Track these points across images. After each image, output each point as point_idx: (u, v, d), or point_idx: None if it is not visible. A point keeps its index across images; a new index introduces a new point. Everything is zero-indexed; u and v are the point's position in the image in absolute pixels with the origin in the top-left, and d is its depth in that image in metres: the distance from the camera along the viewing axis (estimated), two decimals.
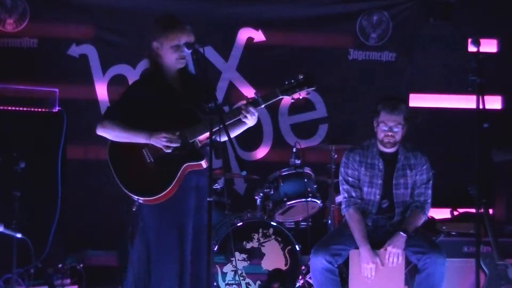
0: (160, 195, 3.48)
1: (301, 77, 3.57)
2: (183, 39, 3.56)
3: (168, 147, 3.48)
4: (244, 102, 3.54)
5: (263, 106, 3.55)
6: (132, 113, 3.55)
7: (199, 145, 3.58)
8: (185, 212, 3.57)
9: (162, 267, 3.54)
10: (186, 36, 3.58)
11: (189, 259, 3.56)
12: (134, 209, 3.56)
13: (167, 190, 3.48)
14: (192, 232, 3.57)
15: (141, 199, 3.53)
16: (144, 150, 3.53)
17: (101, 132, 3.58)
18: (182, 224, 3.56)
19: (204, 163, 3.54)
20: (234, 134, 3.61)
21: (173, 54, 3.58)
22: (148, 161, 3.53)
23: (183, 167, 3.51)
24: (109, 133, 3.56)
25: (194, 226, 3.58)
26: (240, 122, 3.57)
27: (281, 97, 3.57)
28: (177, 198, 3.53)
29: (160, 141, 3.47)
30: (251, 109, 3.50)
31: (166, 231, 3.53)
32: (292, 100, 3.60)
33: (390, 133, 4.28)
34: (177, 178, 3.49)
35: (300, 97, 3.60)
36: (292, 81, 3.57)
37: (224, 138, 3.44)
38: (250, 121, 3.55)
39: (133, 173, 3.54)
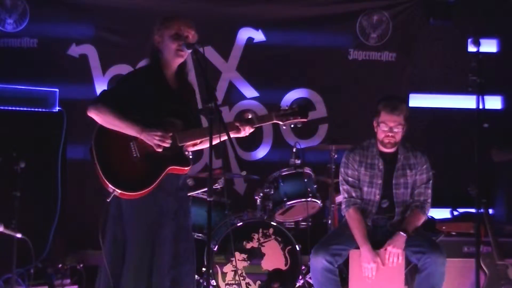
0: (138, 192, 3.44)
1: (295, 107, 3.71)
2: (183, 28, 3.55)
3: (159, 146, 3.46)
4: (240, 113, 3.63)
5: (257, 126, 3.67)
6: (124, 102, 3.51)
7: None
8: (163, 213, 3.53)
9: (130, 266, 3.48)
10: (186, 27, 3.56)
11: (167, 262, 3.50)
12: (108, 200, 3.49)
13: (146, 189, 3.44)
14: (171, 236, 3.53)
15: (117, 191, 3.44)
16: (132, 143, 3.49)
17: (93, 114, 3.52)
18: (158, 225, 3.51)
19: (187, 170, 3.55)
20: (217, 140, 3.47)
21: (173, 44, 3.55)
22: (134, 155, 3.49)
23: (167, 169, 3.48)
24: (101, 117, 3.50)
25: (173, 230, 3.54)
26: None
27: (275, 121, 3.71)
28: (157, 197, 3.49)
29: (152, 138, 3.44)
30: (247, 128, 3.62)
31: (142, 230, 3.49)
32: (284, 127, 3.76)
33: (390, 134, 4.28)
34: (159, 179, 3.47)
35: (292, 126, 3.75)
36: (287, 109, 3.71)
37: (223, 138, 3.42)
38: (240, 134, 3.67)
39: (116, 163, 3.48)
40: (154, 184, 3.45)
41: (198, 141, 3.61)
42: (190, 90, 3.76)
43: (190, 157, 3.67)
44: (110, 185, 3.44)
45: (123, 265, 3.52)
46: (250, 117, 3.64)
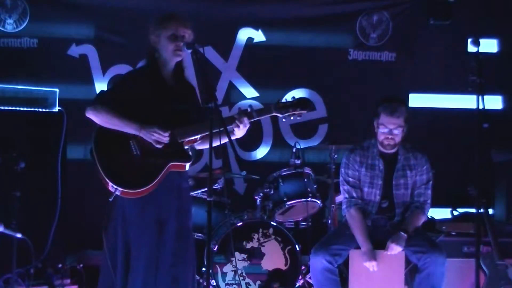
0: (140, 190, 3.45)
1: (296, 99, 3.67)
2: (180, 29, 3.55)
3: (158, 142, 3.46)
4: (237, 111, 3.60)
5: (255, 119, 3.61)
6: (123, 103, 3.52)
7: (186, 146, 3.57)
8: (167, 210, 3.54)
9: (140, 265, 3.49)
10: (183, 27, 3.56)
11: (168, 260, 3.51)
12: (110, 200, 3.50)
13: (149, 186, 3.45)
14: (173, 234, 3.54)
15: (119, 190, 3.45)
16: (131, 142, 3.51)
17: (91, 114, 3.53)
18: (164, 222, 3.53)
19: (188, 165, 3.53)
20: (218, 142, 3.45)
21: (170, 45, 3.56)
22: (134, 153, 3.50)
23: (168, 165, 3.48)
24: (99, 118, 3.51)
25: (176, 227, 3.55)
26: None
27: (274, 114, 3.65)
28: (159, 195, 3.50)
29: (150, 136, 3.45)
30: (245, 119, 3.55)
31: (147, 228, 3.50)
32: (284, 120, 3.69)
33: (390, 136, 4.27)
34: (160, 175, 3.47)
35: (291, 118, 3.68)
36: (287, 101, 3.66)
37: (224, 140, 3.42)
38: (240, 131, 3.58)
39: (117, 162, 3.50)
40: (156, 181, 3.46)
41: (198, 136, 3.59)
42: (189, 87, 3.76)
43: (190, 153, 3.66)
44: (111, 184, 3.45)
45: (128, 264, 3.52)
46: (248, 110, 3.60)
